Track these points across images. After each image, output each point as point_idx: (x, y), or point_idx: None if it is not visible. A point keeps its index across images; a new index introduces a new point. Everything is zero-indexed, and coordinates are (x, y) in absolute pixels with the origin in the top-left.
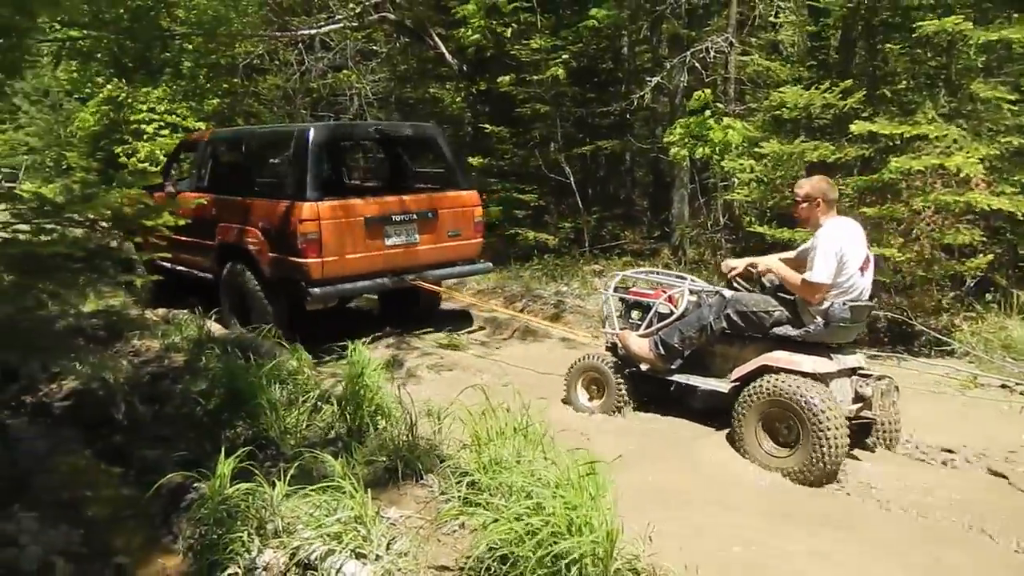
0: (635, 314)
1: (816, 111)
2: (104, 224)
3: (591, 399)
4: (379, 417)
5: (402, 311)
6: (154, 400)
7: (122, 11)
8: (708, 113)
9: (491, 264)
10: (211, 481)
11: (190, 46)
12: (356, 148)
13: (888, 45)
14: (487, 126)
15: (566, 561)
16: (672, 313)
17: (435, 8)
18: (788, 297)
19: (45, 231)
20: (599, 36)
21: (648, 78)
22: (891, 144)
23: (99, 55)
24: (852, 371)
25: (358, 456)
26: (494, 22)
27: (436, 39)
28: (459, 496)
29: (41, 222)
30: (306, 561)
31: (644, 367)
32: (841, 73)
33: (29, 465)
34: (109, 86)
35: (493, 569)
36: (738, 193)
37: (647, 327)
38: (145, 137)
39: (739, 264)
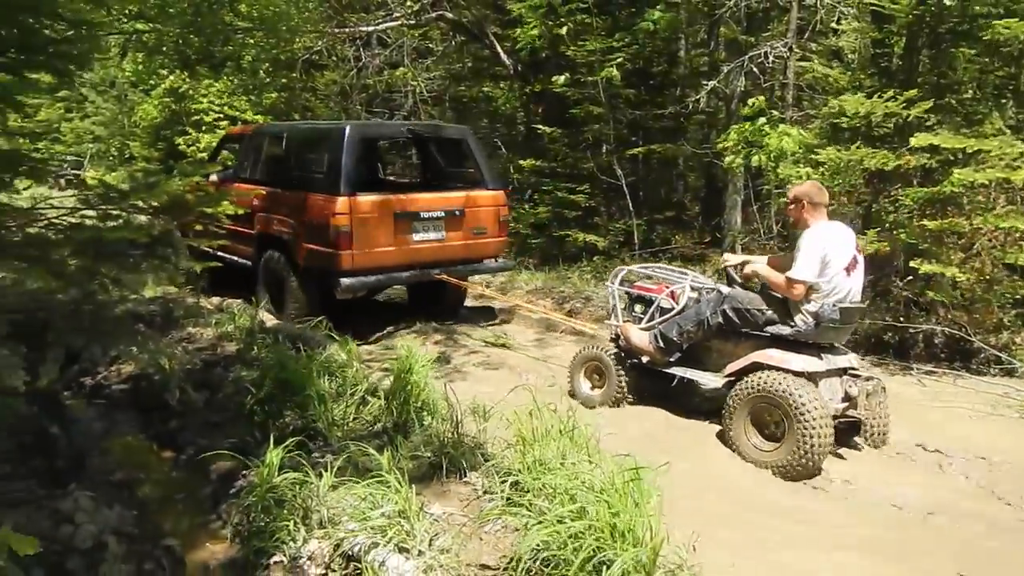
0: (638, 308)
1: (877, 119)
2: (165, 212)
3: (593, 388)
4: (425, 413)
5: (429, 304)
6: (206, 387)
7: (187, 5)
8: (763, 119)
9: (514, 262)
10: (260, 469)
11: (251, 41)
12: (390, 147)
13: (957, 50)
14: (540, 126)
15: (609, 568)
16: (673, 308)
17: (492, 7)
18: (779, 297)
19: (111, 217)
20: (655, 38)
21: (704, 82)
22: (954, 156)
23: (164, 48)
24: (843, 371)
25: (403, 450)
26: (550, 22)
27: (492, 38)
28: (502, 495)
29: (106, 208)
30: (350, 553)
31: (644, 359)
32: (904, 81)
33: (86, 445)
34: (172, 77)
35: (534, 571)
36: None
37: (648, 321)
38: (204, 128)
39: (735, 259)
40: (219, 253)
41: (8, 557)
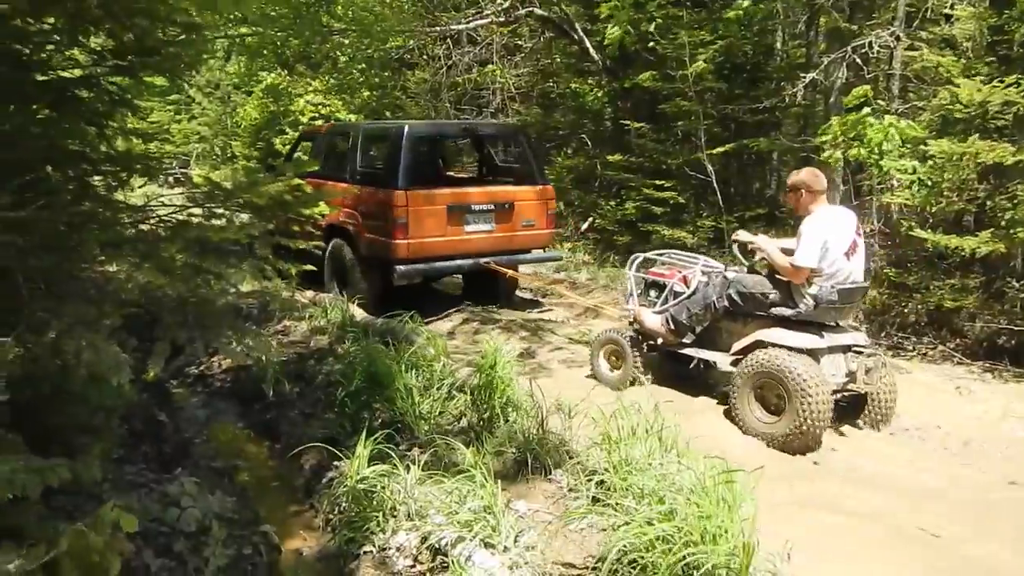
0: (653, 293)
1: (994, 109)
2: (266, 211)
3: (612, 369)
4: (510, 409)
5: (483, 292)
6: (300, 379)
7: (287, 9)
8: (867, 111)
9: (561, 253)
10: (350, 461)
11: (346, 41)
12: (447, 144)
13: None
14: (628, 122)
15: (698, 573)
16: (685, 292)
17: (581, 2)
18: (784, 280)
19: (215, 215)
20: (748, 30)
21: (801, 74)
22: None
23: (265, 51)
24: (847, 348)
25: (488, 446)
26: (639, 16)
27: (581, 34)
28: (588, 494)
29: (211, 207)
30: (437, 546)
31: (659, 341)
32: None
33: (190, 433)
34: (271, 76)
35: (621, 573)
36: (897, 196)
37: (662, 304)
38: (301, 127)
39: (745, 237)
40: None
41: (113, 533)
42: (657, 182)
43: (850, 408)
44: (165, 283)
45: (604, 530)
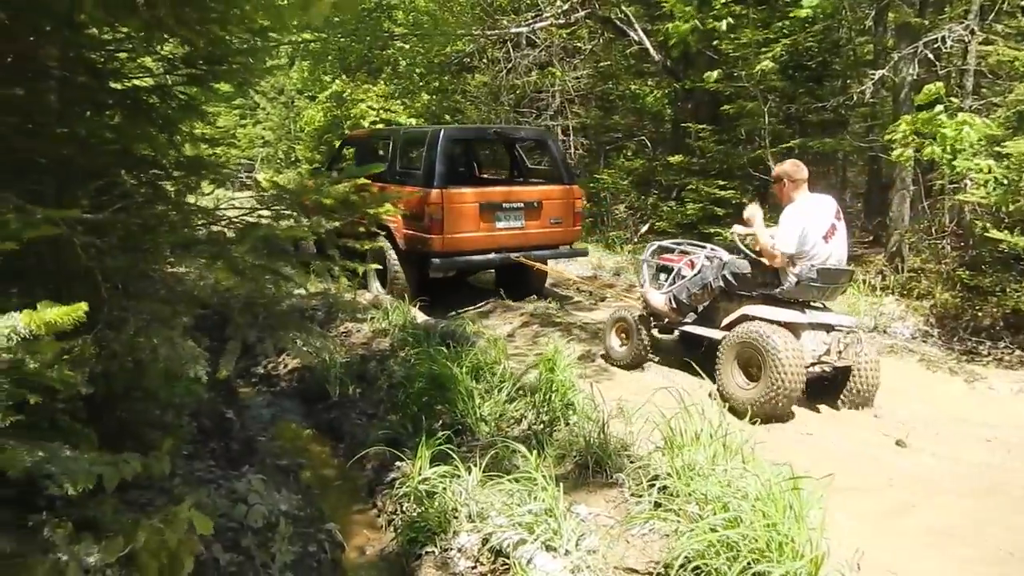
0: (663, 276)
1: None
2: (333, 213)
3: (621, 345)
4: (570, 412)
5: (514, 285)
6: (362, 380)
7: (350, 15)
8: (940, 108)
9: (588, 249)
10: (412, 461)
11: (407, 46)
12: (480, 146)
13: None
14: (689, 123)
15: None
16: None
17: (641, 2)
18: (746, 247)
19: (283, 217)
20: (814, 27)
21: (870, 71)
22: None
23: (329, 56)
24: (829, 327)
25: (549, 449)
26: (702, 14)
27: (641, 34)
28: (650, 499)
29: (279, 209)
30: (498, 548)
31: (665, 320)
32: None
33: (256, 431)
34: (336, 83)
35: None
36: (971, 195)
37: (668, 286)
38: (343, 134)
39: (743, 231)
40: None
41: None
42: (720, 183)
43: (834, 386)
44: (235, 284)
45: (667, 536)
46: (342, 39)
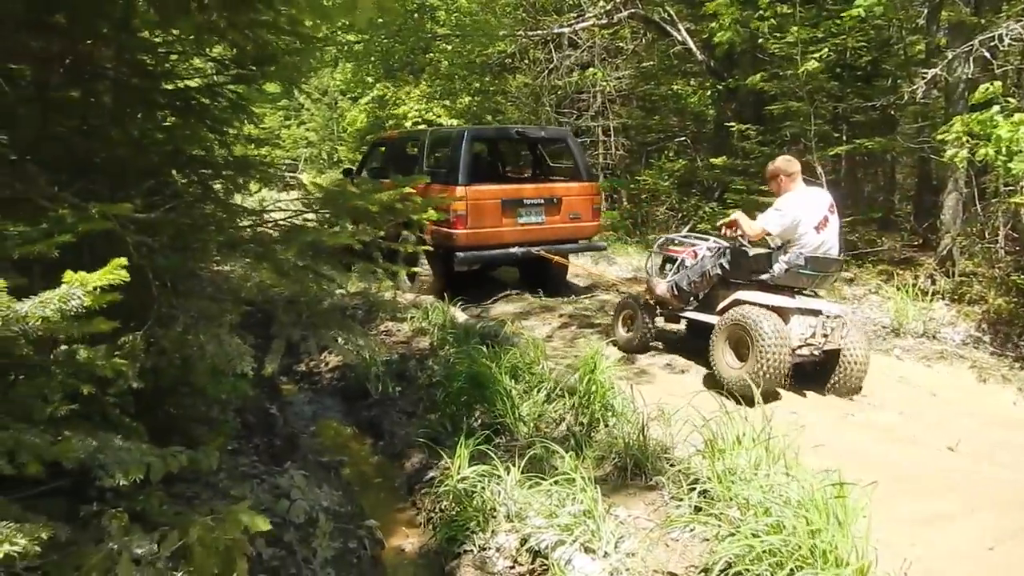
0: (668, 267)
1: None
2: (378, 217)
3: (627, 331)
4: (610, 414)
5: (537, 279)
6: (402, 379)
7: (393, 17)
8: (996, 108)
9: (606, 244)
10: (451, 461)
11: (449, 47)
12: (503, 145)
13: None
14: (732, 124)
15: None
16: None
17: (684, 2)
18: (764, 251)
19: (329, 221)
20: (864, 26)
21: (922, 70)
22: None
23: (372, 58)
24: (818, 313)
25: (588, 451)
26: (747, 14)
27: (684, 34)
28: (690, 503)
29: (325, 212)
30: (537, 548)
31: (668, 307)
32: None
33: (298, 427)
34: (379, 85)
35: None
36: None
37: (672, 276)
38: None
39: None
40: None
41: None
42: (763, 186)
43: (822, 373)
44: (281, 284)
45: (707, 540)
46: (385, 40)
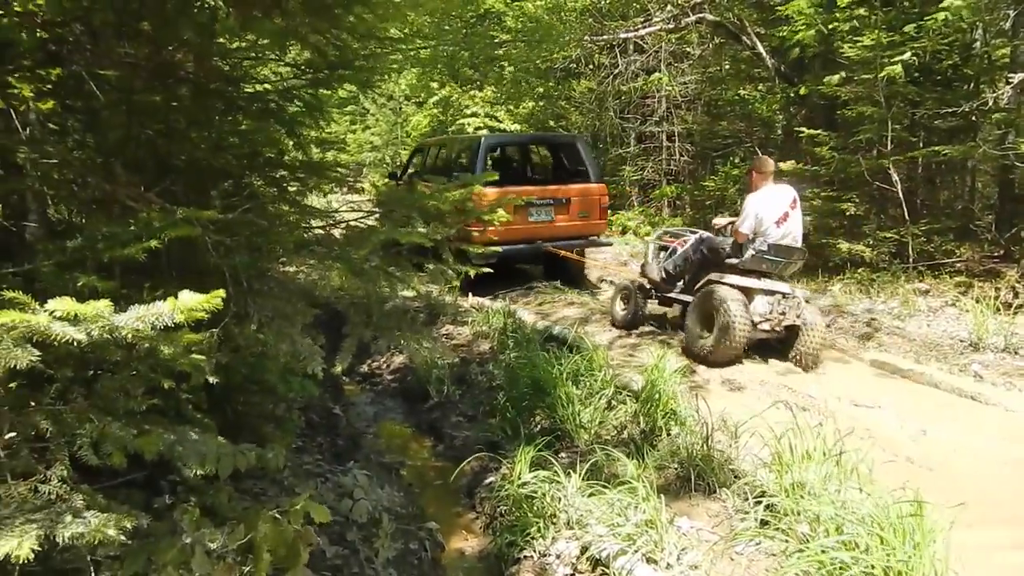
0: (662, 255)
1: None
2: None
3: (623, 309)
4: (672, 423)
5: (558, 275)
6: (463, 382)
7: (461, 23)
8: None
9: (612, 240)
10: (511, 465)
11: (514, 52)
12: (517, 150)
13: None
14: (803, 129)
15: None
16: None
17: (755, 6)
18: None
19: (401, 222)
20: (947, 29)
21: (1008, 75)
22: None
23: (439, 64)
24: (781, 295)
25: (650, 459)
26: (823, 16)
27: (754, 38)
28: (756, 516)
29: (396, 212)
30: (597, 557)
31: (659, 289)
32: None
33: (360, 428)
34: (445, 89)
35: None
36: None
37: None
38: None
39: (723, 222)
40: None
41: (305, 522)
42: (834, 192)
43: (783, 347)
44: (353, 284)
45: (774, 555)
46: (452, 47)
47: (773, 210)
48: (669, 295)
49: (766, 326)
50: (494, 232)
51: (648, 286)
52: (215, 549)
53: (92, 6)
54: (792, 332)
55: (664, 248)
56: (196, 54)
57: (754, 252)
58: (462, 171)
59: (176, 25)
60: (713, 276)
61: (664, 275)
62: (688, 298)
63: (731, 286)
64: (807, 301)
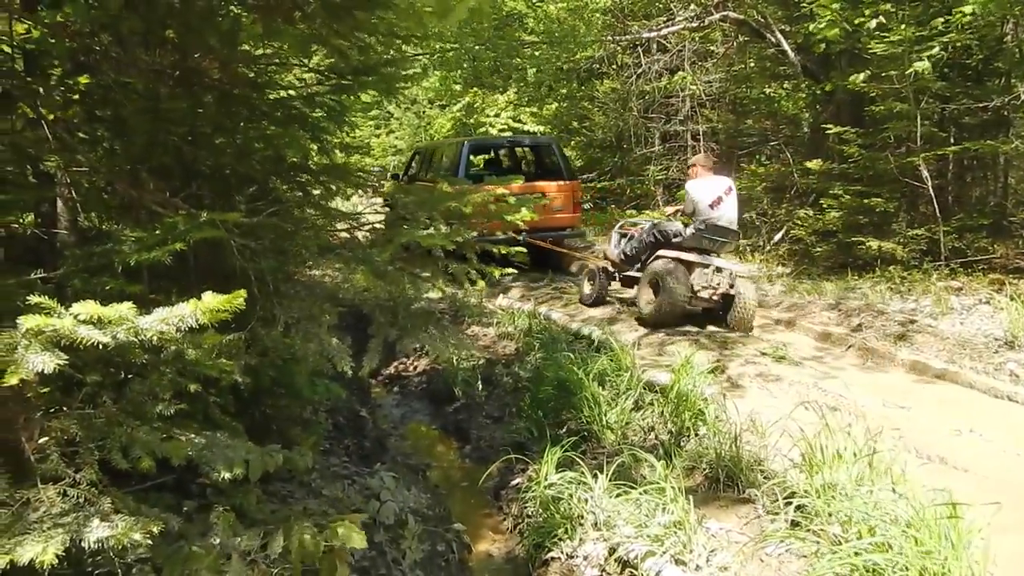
0: (623, 241)
1: None
2: (471, 219)
3: (589, 288)
4: (700, 423)
5: (542, 262)
6: (488, 383)
7: (485, 25)
8: None
9: (585, 230)
10: (538, 466)
11: (537, 54)
12: (498, 151)
13: None
14: (830, 126)
15: None
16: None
17: (779, 3)
18: (682, 221)
19: (423, 224)
20: (977, 23)
21: None
22: None
23: (463, 66)
24: (718, 269)
25: (677, 460)
26: (848, 12)
27: (779, 36)
28: (786, 518)
29: (420, 214)
30: (625, 558)
31: (620, 269)
32: None
33: (386, 429)
34: (469, 93)
35: None
36: None
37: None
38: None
39: (671, 210)
40: None
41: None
42: (863, 189)
43: (722, 314)
44: (377, 286)
45: (804, 557)
46: (475, 48)
47: (708, 194)
48: (627, 273)
49: (705, 294)
50: (479, 225)
51: (611, 268)
52: (247, 552)
53: (120, 15)
54: (728, 301)
55: (625, 235)
56: (221, 61)
57: (694, 231)
58: (447, 171)
59: (201, 33)
60: (661, 252)
61: (623, 256)
62: (640, 273)
63: (674, 259)
64: (743, 276)
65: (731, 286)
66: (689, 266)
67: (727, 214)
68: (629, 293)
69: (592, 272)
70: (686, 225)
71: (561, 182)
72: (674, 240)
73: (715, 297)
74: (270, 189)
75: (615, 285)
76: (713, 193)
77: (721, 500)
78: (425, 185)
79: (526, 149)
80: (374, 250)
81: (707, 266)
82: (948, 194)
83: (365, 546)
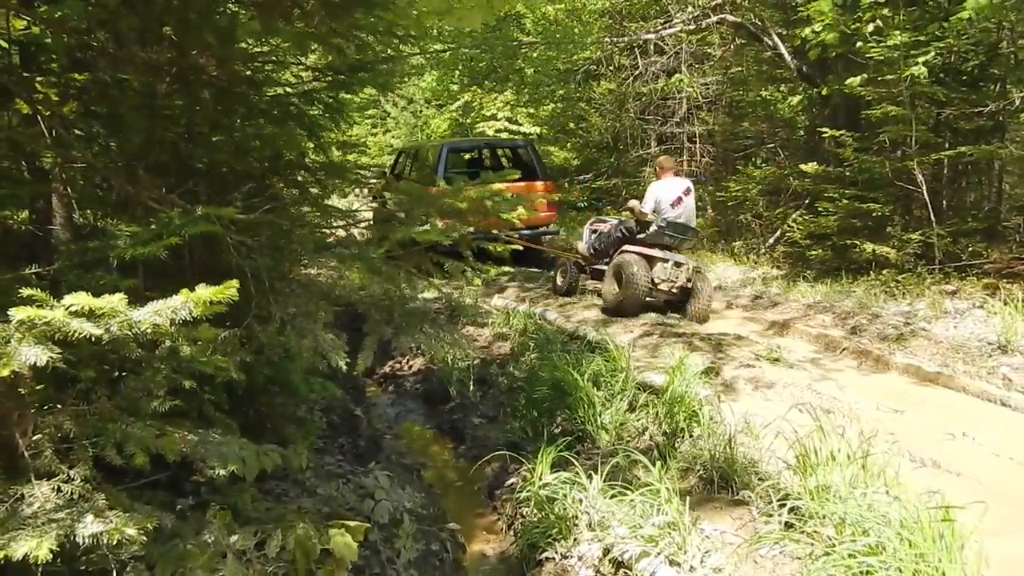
0: (593, 237)
1: None
2: (466, 216)
3: (561, 280)
4: (695, 425)
5: (524, 259)
6: (483, 383)
7: (482, 26)
8: None
9: (559, 229)
10: (532, 467)
11: (534, 55)
12: (475, 153)
13: None
14: (825, 130)
15: None
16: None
17: (776, 6)
18: (645, 220)
19: (418, 221)
20: (972, 28)
21: None
22: None
23: (460, 66)
24: (677, 264)
25: (672, 462)
26: (845, 17)
27: (776, 39)
28: (781, 520)
29: (416, 211)
30: (620, 559)
31: (589, 263)
32: None
33: (382, 428)
34: (467, 93)
35: None
36: None
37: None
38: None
39: (636, 205)
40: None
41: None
42: (858, 192)
43: (678, 303)
44: (372, 283)
45: (799, 559)
46: (473, 50)
47: (669, 194)
48: (595, 267)
49: (664, 287)
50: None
51: (582, 262)
52: (245, 553)
53: (117, 12)
54: (687, 294)
55: (595, 232)
56: (218, 58)
57: (656, 228)
58: (429, 172)
59: (198, 30)
60: (626, 247)
61: (592, 251)
62: (606, 267)
63: (637, 254)
64: (699, 271)
65: (689, 280)
66: (651, 261)
67: (686, 213)
68: (599, 285)
69: (564, 265)
70: (646, 225)
71: (536, 182)
72: (638, 237)
73: (674, 290)
74: (267, 186)
75: (591, 281)
76: (674, 193)
77: (715, 502)
78: (409, 183)
79: (504, 150)
80: (369, 247)
81: (667, 261)
82: (943, 198)
83: (355, 558)
